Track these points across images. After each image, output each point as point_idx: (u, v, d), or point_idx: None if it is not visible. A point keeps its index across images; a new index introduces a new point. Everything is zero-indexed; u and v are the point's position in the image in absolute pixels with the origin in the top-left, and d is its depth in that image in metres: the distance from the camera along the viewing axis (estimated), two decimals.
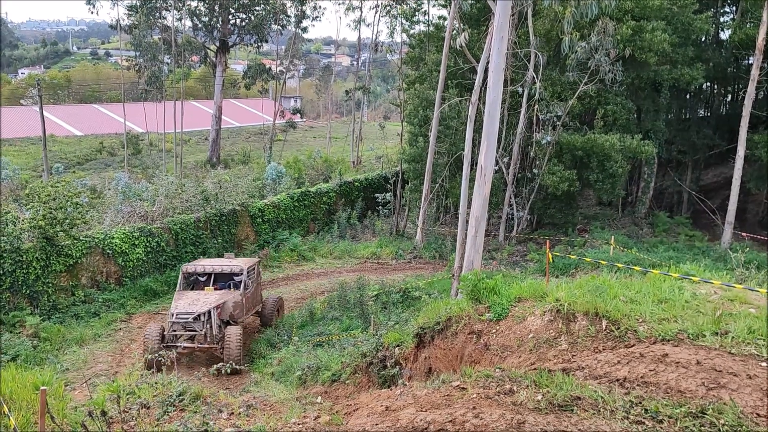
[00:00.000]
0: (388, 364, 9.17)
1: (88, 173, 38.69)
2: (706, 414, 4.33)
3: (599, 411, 4.69)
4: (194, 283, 16.28)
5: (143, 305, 18.85)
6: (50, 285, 17.42)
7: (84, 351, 15.52)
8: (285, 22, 45.17)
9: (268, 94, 60.34)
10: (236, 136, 55.41)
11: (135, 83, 52.44)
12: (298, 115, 61.18)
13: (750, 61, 24.21)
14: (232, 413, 4.67)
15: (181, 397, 5.05)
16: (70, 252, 17.83)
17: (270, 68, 47.22)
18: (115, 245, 19.09)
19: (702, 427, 4.18)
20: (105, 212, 22.88)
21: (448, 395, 5.35)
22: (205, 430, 4.03)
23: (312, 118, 73.25)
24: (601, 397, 4.90)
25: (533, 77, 22.77)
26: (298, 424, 4.26)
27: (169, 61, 43.59)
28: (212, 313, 14.56)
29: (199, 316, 14.36)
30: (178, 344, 14.15)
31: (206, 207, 22.73)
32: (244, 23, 43.75)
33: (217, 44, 43.19)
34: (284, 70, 47.81)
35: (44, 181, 23.24)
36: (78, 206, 18.40)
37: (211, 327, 14.44)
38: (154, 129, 45.18)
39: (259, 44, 45.77)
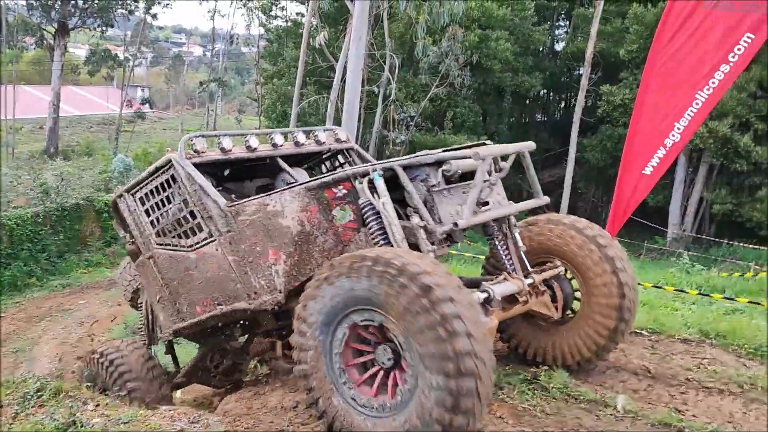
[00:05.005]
0: None
1: None
2: None
3: None
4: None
5: None
6: None
7: None
8: (133, 7, 42.84)
9: (113, 82, 56.90)
10: (77, 125, 51.57)
11: None
12: (148, 105, 58.32)
13: (580, 72, 26.75)
14: (98, 405, 4.62)
15: (39, 393, 4.88)
16: None
17: (116, 55, 44.58)
18: None
19: None
20: None
21: None
22: (72, 422, 3.99)
23: (162, 108, 70.01)
24: None
25: (389, 78, 23.60)
26: (169, 410, 4.34)
27: None
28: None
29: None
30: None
31: (46, 201, 21.15)
32: (86, 5, 40.89)
33: (56, 26, 40.01)
34: (130, 57, 45.35)
35: None
36: None
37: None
38: None
39: (104, 29, 43.02)
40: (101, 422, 3.92)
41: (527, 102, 33.85)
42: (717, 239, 21.43)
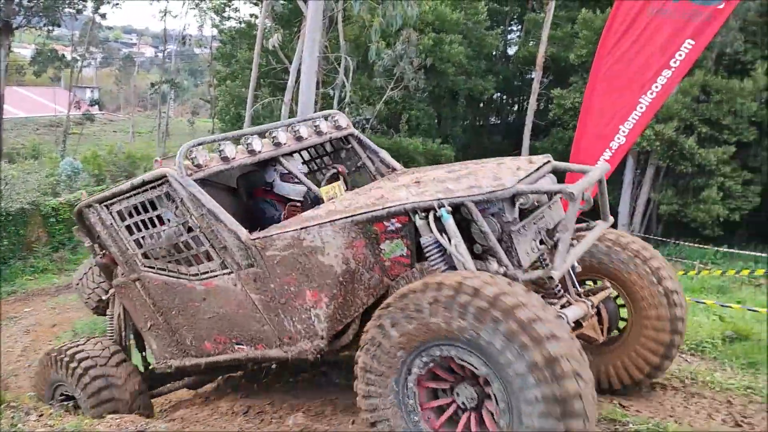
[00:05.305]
0: None
1: None
2: None
3: None
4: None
5: None
6: None
7: None
8: (81, 6, 41.71)
9: (60, 82, 55.34)
10: (22, 127, 49.92)
11: None
12: (97, 106, 56.95)
13: (532, 76, 27.20)
14: (42, 415, 4.49)
15: None
16: None
17: (64, 55, 43.39)
18: None
19: None
20: None
21: None
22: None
23: (112, 110, 68.39)
24: None
25: (344, 81, 23.58)
26: (116, 418, 4.25)
27: None
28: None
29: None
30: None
31: None
32: (31, 4, 39.62)
33: None
34: (79, 58, 44.18)
35: None
36: None
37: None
38: None
39: (50, 28, 41.81)
40: None
41: (481, 105, 34.26)
42: (664, 239, 22.09)
